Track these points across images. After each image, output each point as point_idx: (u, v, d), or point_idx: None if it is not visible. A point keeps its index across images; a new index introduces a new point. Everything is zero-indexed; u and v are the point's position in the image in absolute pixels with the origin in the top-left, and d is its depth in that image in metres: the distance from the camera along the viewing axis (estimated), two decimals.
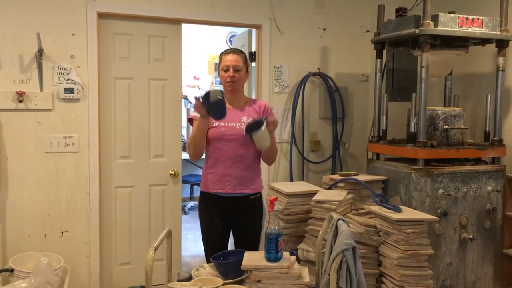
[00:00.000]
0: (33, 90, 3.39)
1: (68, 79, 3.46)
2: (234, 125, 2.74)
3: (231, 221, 2.83)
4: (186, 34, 4.34)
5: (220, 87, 7.07)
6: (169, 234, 2.21)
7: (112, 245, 3.74)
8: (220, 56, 2.84)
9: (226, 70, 2.76)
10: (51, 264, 2.68)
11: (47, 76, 3.42)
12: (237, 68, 2.75)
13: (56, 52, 3.43)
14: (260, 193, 2.88)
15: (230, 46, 6.45)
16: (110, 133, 3.68)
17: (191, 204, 6.89)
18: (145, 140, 3.80)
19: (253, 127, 2.59)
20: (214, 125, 2.75)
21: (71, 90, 3.46)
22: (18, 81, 3.36)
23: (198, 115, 2.66)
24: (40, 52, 3.36)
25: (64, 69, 3.45)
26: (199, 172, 6.72)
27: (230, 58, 2.76)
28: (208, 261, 2.66)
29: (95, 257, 3.61)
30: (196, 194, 6.90)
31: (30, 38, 3.34)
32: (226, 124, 2.73)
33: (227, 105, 2.77)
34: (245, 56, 2.85)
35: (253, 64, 4.17)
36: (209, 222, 2.82)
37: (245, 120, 2.76)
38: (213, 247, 2.70)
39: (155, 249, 1.92)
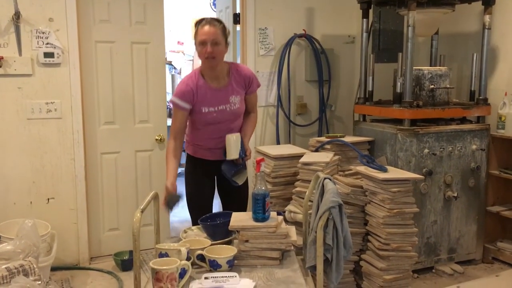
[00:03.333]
0: (11, 55, 3.29)
1: (47, 43, 3.36)
2: (224, 107, 2.62)
3: (218, 182, 2.83)
4: None
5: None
6: (155, 197, 2.21)
7: (100, 211, 3.73)
8: (196, 28, 2.53)
9: (203, 44, 2.47)
10: (35, 227, 2.66)
11: (26, 40, 3.32)
12: (215, 41, 2.46)
13: (33, 15, 3.32)
14: None
15: (214, 9, 6.31)
16: (93, 98, 3.61)
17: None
18: (129, 106, 3.74)
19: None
20: (203, 111, 2.59)
21: (51, 55, 3.37)
22: None
23: (179, 102, 2.57)
24: (17, 15, 3.25)
25: (43, 33, 3.35)
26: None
27: (207, 31, 2.46)
28: (194, 224, 2.66)
29: (82, 223, 3.61)
30: (183, 161, 6.87)
31: (6, 1, 3.22)
32: (216, 108, 2.60)
33: (211, 85, 2.59)
34: (224, 26, 2.54)
35: (238, 27, 4.09)
36: (196, 181, 2.80)
37: (233, 99, 2.62)
38: (200, 207, 2.69)
39: (142, 211, 1.92)
